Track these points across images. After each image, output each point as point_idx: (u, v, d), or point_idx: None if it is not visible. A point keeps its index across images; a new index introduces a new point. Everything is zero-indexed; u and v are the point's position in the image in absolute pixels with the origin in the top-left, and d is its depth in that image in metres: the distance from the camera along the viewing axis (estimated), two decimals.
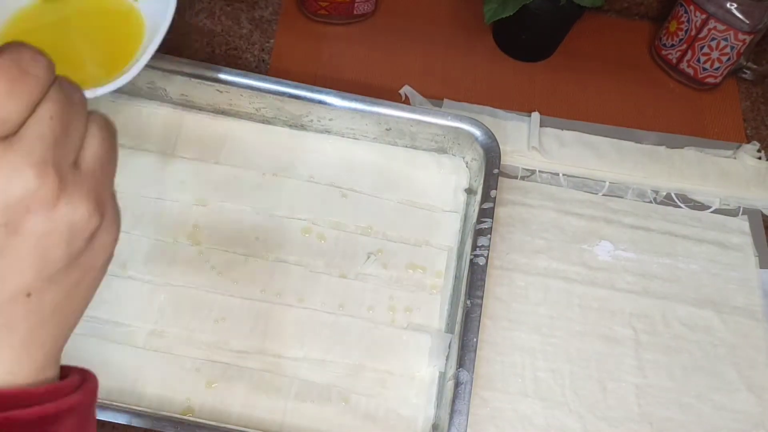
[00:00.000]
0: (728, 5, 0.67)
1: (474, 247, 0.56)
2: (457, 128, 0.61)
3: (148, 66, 0.58)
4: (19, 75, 0.25)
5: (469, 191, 0.63)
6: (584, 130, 0.70)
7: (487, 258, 0.56)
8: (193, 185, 0.61)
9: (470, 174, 0.64)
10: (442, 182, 0.64)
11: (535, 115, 0.69)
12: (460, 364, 0.52)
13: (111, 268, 0.57)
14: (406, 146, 0.64)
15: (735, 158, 0.70)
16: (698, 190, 0.68)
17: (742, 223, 0.67)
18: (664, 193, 0.68)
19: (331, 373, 0.55)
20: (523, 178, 0.67)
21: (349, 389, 0.54)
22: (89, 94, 0.44)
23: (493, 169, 0.60)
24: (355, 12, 0.73)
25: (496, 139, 0.61)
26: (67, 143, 0.27)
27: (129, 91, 0.64)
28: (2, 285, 0.26)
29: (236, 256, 0.59)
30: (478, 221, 0.57)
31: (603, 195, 0.67)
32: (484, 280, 0.55)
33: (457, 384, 0.51)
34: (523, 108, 0.71)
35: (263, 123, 0.64)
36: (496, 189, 0.59)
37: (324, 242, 0.60)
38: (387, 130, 0.63)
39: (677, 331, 0.61)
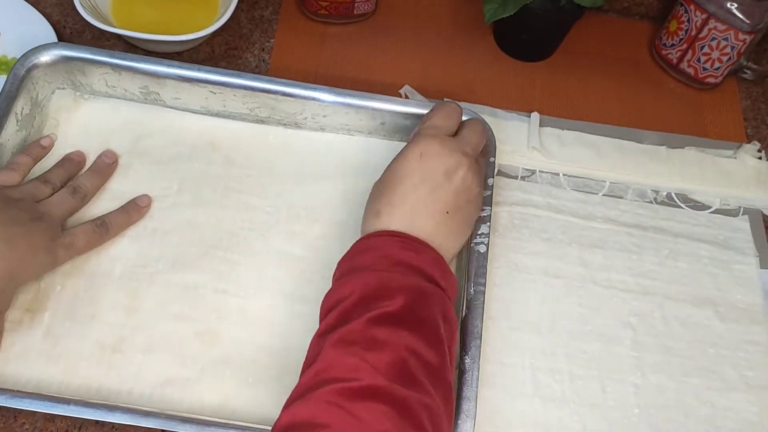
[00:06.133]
0: (728, 5, 0.67)
1: (474, 235, 0.57)
2: None
3: (138, 71, 0.58)
4: (454, 110, 0.57)
5: None
6: (584, 130, 0.70)
7: (487, 246, 0.56)
8: (191, 188, 0.61)
9: None
10: None
11: (535, 115, 0.69)
12: (465, 350, 0.52)
13: (113, 268, 0.57)
14: (402, 141, 0.64)
15: (735, 158, 0.70)
16: (698, 190, 0.68)
17: (743, 223, 0.67)
18: (665, 193, 0.68)
19: None
20: (523, 178, 0.67)
21: None
22: (202, 33, 0.64)
23: (489, 158, 0.60)
24: (355, 12, 0.73)
25: (491, 129, 0.61)
26: (462, 139, 0.55)
27: (122, 96, 0.64)
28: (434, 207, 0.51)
29: (236, 255, 0.59)
30: None
31: (603, 195, 0.67)
32: (485, 267, 0.55)
33: (464, 371, 0.51)
34: (523, 108, 0.71)
35: (257, 123, 0.64)
36: (493, 177, 0.59)
37: (324, 239, 0.60)
38: (381, 124, 0.63)
39: (677, 331, 0.61)
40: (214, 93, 0.62)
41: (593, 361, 0.58)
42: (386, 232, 0.51)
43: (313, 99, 0.61)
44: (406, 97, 0.70)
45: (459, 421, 0.50)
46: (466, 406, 0.50)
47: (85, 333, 0.54)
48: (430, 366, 0.44)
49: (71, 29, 0.70)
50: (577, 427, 0.56)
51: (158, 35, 0.63)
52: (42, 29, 0.67)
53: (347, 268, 0.50)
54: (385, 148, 0.64)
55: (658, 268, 0.63)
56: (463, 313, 0.54)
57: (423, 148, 0.52)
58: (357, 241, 0.52)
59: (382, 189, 0.53)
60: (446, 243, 0.52)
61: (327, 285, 0.57)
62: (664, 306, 0.62)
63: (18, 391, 0.49)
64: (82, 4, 0.64)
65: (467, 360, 0.52)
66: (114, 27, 0.66)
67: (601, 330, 0.60)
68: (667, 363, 0.59)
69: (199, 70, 0.61)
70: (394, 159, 0.54)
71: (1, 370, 0.52)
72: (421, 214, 0.51)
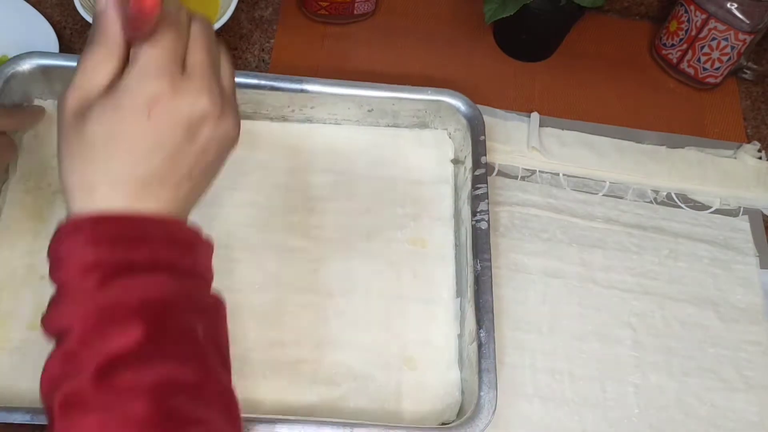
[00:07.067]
0: (728, 5, 0.67)
1: (474, 213, 0.58)
2: (438, 101, 0.62)
3: None
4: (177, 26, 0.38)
5: (456, 161, 0.64)
6: (584, 130, 0.70)
7: (488, 222, 0.57)
8: None
9: (454, 145, 0.65)
10: (427, 156, 0.64)
11: (535, 115, 0.69)
12: (480, 324, 0.53)
13: None
14: (389, 125, 0.65)
15: (735, 158, 0.70)
16: (698, 190, 0.68)
17: (743, 224, 0.67)
18: (665, 193, 0.68)
19: (351, 354, 0.55)
20: (523, 178, 0.67)
21: (371, 367, 0.55)
22: None
23: (479, 136, 0.61)
24: (355, 12, 0.73)
25: (477, 108, 0.62)
26: (216, 69, 0.40)
27: None
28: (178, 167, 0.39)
29: (236, 253, 0.58)
30: (474, 188, 0.59)
31: (603, 195, 0.67)
32: (489, 243, 0.56)
33: (480, 344, 0.52)
34: (523, 108, 0.71)
35: (245, 119, 0.64)
36: (485, 155, 0.60)
37: (324, 229, 0.60)
38: (369, 111, 0.63)
39: (677, 332, 0.61)
40: None
41: (593, 361, 0.58)
42: (95, 217, 0.37)
43: (300, 90, 0.61)
44: None
45: (482, 393, 0.51)
46: (487, 377, 0.51)
47: None
48: (192, 388, 0.37)
49: (71, 29, 0.70)
50: (577, 427, 0.56)
51: None
52: (42, 29, 0.67)
53: (54, 269, 0.37)
54: (374, 135, 0.65)
55: (658, 268, 0.63)
56: (472, 290, 0.55)
57: (150, 98, 0.37)
58: (61, 228, 0.38)
59: (91, 152, 0.38)
60: (187, 203, 0.41)
61: (332, 272, 0.58)
62: (664, 306, 0.62)
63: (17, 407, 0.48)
64: (82, 5, 0.64)
65: (482, 334, 0.52)
66: None
67: (601, 330, 0.60)
68: (667, 363, 0.59)
69: None
70: (102, 108, 0.38)
71: (12, 388, 0.52)
72: (152, 185, 0.38)
